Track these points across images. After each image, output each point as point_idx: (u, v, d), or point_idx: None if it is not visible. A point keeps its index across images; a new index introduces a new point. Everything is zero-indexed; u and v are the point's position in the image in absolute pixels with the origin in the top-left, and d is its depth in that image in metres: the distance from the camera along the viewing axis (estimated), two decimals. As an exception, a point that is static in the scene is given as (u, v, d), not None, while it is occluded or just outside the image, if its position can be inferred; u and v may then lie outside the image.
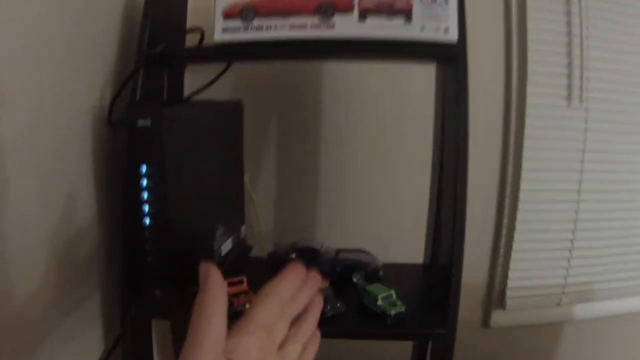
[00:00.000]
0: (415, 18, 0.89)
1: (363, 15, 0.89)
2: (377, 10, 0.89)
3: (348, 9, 0.89)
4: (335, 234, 1.52)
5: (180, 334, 1.36)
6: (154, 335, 1.24)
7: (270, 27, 0.92)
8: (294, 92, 1.49)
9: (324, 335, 1.01)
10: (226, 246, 1.16)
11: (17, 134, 0.76)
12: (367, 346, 1.55)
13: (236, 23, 0.92)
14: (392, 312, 0.95)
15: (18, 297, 0.79)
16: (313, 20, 0.90)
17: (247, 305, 0.96)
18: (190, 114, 1.04)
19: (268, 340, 0.48)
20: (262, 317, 0.48)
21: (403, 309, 0.96)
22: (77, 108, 0.94)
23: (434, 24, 0.90)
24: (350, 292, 1.06)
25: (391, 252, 1.22)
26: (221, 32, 0.93)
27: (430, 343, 1.24)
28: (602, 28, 1.56)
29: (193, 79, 1.26)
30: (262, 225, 1.39)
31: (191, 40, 1.13)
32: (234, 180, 1.25)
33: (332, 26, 0.90)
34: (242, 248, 1.26)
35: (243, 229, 1.28)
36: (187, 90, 1.26)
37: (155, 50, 1.01)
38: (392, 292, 0.98)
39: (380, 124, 1.52)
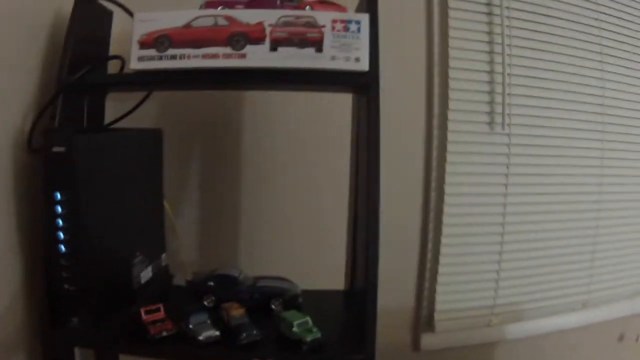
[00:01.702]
0: (326, 48, 0.92)
1: (274, 45, 0.91)
2: (289, 41, 0.91)
3: (260, 39, 0.91)
4: (259, 263, 1.51)
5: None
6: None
7: (184, 57, 0.93)
8: (216, 120, 1.50)
9: (239, 363, 1.02)
10: (146, 273, 1.15)
11: None
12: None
13: (151, 52, 0.93)
14: (308, 339, 0.94)
15: None
16: (225, 50, 0.92)
17: (164, 333, 0.96)
18: (108, 142, 1.04)
19: None
20: None
21: (319, 335, 0.96)
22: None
23: (345, 54, 0.92)
24: (267, 319, 1.05)
25: (314, 279, 1.23)
26: (137, 61, 0.94)
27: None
28: (524, 55, 1.64)
29: (116, 107, 1.25)
30: (184, 254, 1.38)
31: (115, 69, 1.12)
32: (153, 208, 1.25)
33: (244, 56, 0.92)
34: (163, 276, 1.26)
35: (164, 256, 1.27)
36: (109, 119, 1.25)
37: (74, 77, 1.00)
38: (308, 318, 0.98)
39: (301, 151, 1.54)
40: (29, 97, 1.05)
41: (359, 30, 0.92)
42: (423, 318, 1.69)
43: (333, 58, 0.92)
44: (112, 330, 0.99)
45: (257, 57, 0.91)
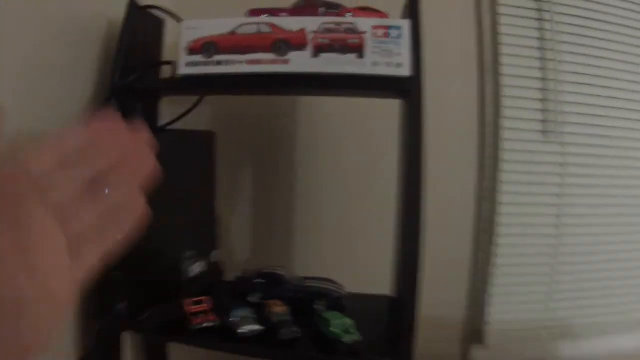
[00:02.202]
0: (368, 54, 0.94)
1: (316, 51, 0.95)
2: (330, 47, 0.94)
3: (302, 45, 0.95)
4: (310, 264, 1.54)
5: (151, 348, 1.40)
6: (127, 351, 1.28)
7: (230, 62, 0.97)
8: (270, 124, 1.55)
9: (278, 357, 1.05)
10: (195, 269, 1.20)
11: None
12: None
13: (198, 58, 0.99)
14: (346, 340, 0.96)
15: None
16: (269, 56, 0.96)
17: (206, 324, 1.01)
18: (159, 142, 1.09)
19: (23, 178, 0.37)
20: (25, 159, 0.38)
21: (357, 337, 0.97)
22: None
23: (386, 60, 0.94)
24: (309, 319, 1.07)
25: (364, 283, 1.25)
26: (185, 66, 1.00)
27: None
28: (576, 62, 1.59)
29: (173, 111, 1.31)
30: (237, 253, 1.43)
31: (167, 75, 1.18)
32: (206, 207, 1.30)
33: (287, 61, 0.96)
34: (213, 272, 1.30)
35: (215, 254, 1.32)
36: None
37: (125, 81, 1.07)
38: (348, 320, 1.00)
39: (354, 155, 1.56)
40: (84, 100, 1.12)
41: (399, 36, 0.94)
42: (473, 330, 1.66)
43: (374, 64, 0.94)
44: (156, 318, 1.04)
45: (300, 62, 0.95)
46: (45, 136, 0.39)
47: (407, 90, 0.97)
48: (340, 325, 0.99)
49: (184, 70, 1.00)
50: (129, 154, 0.43)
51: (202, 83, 1.03)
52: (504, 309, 1.64)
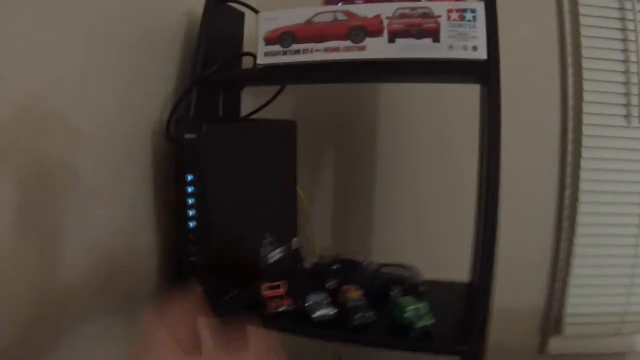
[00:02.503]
0: (443, 38, 0.93)
1: (392, 37, 0.94)
2: (406, 32, 0.94)
3: (378, 32, 0.95)
4: (389, 252, 1.55)
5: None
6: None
7: (307, 51, 0.99)
8: (351, 113, 1.57)
9: (351, 342, 1.06)
10: (274, 255, 1.23)
11: (90, 138, 0.92)
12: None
13: (276, 47, 1.01)
14: (418, 325, 0.96)
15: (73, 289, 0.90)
16: (345, 43, 0.96)
17: (281, 308, 1.03)
18: (238, 130, 1.14)
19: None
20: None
21: (430, 322, 0.97)
22: (140, 123, 1.09)
23: (462, 43, 0.93)
24: (385, 304, 1.07)
25: (443, 271, 1.24)
26: (263, 56, 1.02)
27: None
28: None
29: (255, 102, 1.34)
30: (317, 240, 1.45)
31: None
32: (287, 194, 1.33)
33: (364, 48, 0.96)
34: (292, 258, 1.33)
35: (295, 240, 1.34)
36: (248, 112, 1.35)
37: (206, 73, 1.11)
38: (422, 305, 0.99)
39: (435, 143, 1.55)
40: (168, 91, 1.17)
41: (474, 18, 0.92)
42: (552, 320, 1.62)
43: (450, 47, 0.93)
44: (234, 303, 1.08)
45: (376, 49, 0.95)
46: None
47: (483, 73, 0.95)
48: (414, 310, 0.98)
49: (262, 60, 1.02)
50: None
51: (280, 72, 1.05)
52: (584, 301, 1.59)
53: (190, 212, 1.02)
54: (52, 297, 0.86)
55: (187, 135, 1.00)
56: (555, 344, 1.62)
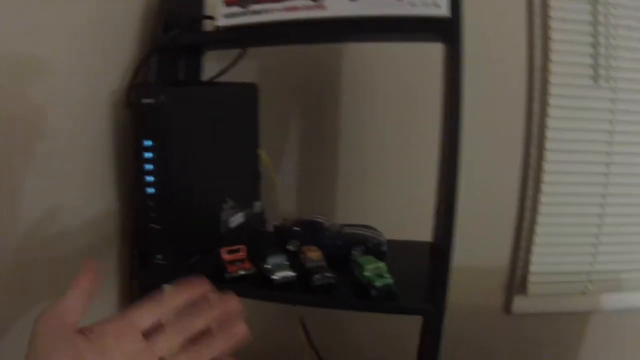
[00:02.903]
0: (405, -5, 0.91)
1: (354, -6, 0.92)
2: (368, -11, 0.92)
3: (339, -11, 0.92)
4: (354, 214, 1.55)
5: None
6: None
7: (267, 11, 0.96)
8: (315, 76, 1.54)
9: (311, 304, 1.06)
10: (236, 219, 1.22)
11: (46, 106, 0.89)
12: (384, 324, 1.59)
13: (236, 9, 0.98)
14: (378, 284, 0.96)
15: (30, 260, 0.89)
16: (305, 2, 0.94)
17: (241, 272, 1.02)
18: (197, 94, 1.12)
19: (132, 332, 0.50)
20: (133, 313, 0.52)
21: (390, 281, 0.96)
22: (100, 91, 1.06)
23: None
24: (346, 264, 1.07)
25: (408, 232, 1.25)
26: (223, 18, 1.00)
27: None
28: (628, 5, 1.51)
29: (219, 66, 1.32)
30: (283, 204, 1.44)
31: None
32: (248, 158, 1.31)
33: (324, 7, 0.93)
34: (255, 222, 1.32)
35: (258, 204, 1.33)
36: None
37: (167, 37, 1.08)
38: (382, 264, 1.00)
39: (398, 105, 1.54)
40: (129, 58, 1.14)
41: (436, -26, 0.91)
42: (517, 280, 1.65)
43: (412, 4, 0.91)
44: (193, 268, 1.07)
45: (337, 7, 0.93)
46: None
47: (445, 31, 0.93)
48: (373, 269, 0.99)
49: (222, 22, 1.00)
50: (224, 320, 0.56)
51: (240, 34, 1.03)
52: (549, 260, 1.62)
53: (149, 179, 1.00)
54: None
55: (144, 100, 0.98)
56: (520, 304, 1.64)
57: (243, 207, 1.25)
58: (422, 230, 1.25)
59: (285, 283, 1.00)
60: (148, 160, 0.99)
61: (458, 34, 0.92)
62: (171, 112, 0.98)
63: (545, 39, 1.50)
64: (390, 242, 1.19)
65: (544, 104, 1.53)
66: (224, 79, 1.27)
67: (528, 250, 1.61)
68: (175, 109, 0.99)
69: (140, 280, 1.11)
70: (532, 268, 1.61)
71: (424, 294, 0.99)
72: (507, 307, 1.66)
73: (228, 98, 1.21)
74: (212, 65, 1.33)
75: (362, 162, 1.58)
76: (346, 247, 1.15)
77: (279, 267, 1.01)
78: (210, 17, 1.10)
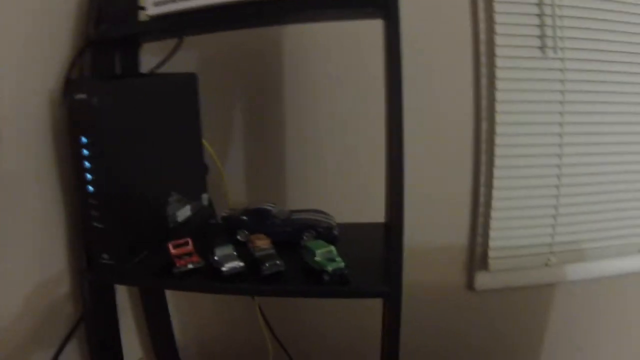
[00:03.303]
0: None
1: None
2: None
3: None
4: (305, 200, 1.52)
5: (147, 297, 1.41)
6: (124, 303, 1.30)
7: (198, -5, 0.93)
8: (257, 62, 1.51)
9: (262, 293, 1.03)
10: (183, 213, 1.19)
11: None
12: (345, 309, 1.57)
13: (166, -5, 0.95)
14: (330, 268, 0.93)
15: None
16: (238, -18, 0.91)
17: (190, 266, 0.99)
18: (132, 87, 1.07)
19: None
20: None
21: (342, 264, 0.94)
22: (36, 92, 1.02)
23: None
24: (296, 251, 1.05)
25: (360, 214, 1.24)
26: (153, 6, 0.97)
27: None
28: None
29: (157, 59, 1.28)
30: (231, 194, 1.41)
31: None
32: (192, 150, 1.27)
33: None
34: (204, 215, 1.29)
35: (205, 196, 1.30)
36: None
37: (97, 30, 1.05)
38: (332, 248, 0.97)
39: (342, 86, 1.51)
40: (65, 55, 1.09)
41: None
42: (477, 256, 1.64)
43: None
44: (141, 266, 1.03)
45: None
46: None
47: (382, 4, 0.90)
48: (325, 253, 0.96)
49: (152, 10, 0.96)
50: None
51: (172, 22, 0.99)
52: (508, 234, 1.61)
53: (89, 176, 0.96)
54: None
55: (77, 96, 0.93)
56: (482, 280, 1.63)
57: (190, 200, 1.22)
58: (376, 212, 1.22)
59: (235, 274, 0.97)
60: (85, 158, 0.96)
61: (395, 8, 0.89)
62: (105, 106, 0.94)
63: (489, 9, 1.48)
64: (342, 226, 1.18)
65: (491, 78, 1.51)
66: (163, 71, 1.23)
67: (486, 226, 1.60)
68: (110, 103, 0.95)
69: (88, 281, 1.07)
70: (492, 243, 1.60)
71: (379, 275, 0.97)
72: (469, 284, 1.66)
73: (166, 89, 1.17)
74: (150, 59, 1.30)
75: (310, 146, 1.55)
76: (296, 233, 1.13)
77: (228, 258, 0.98)
78: (140, 7, 1.06)
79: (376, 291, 0.95)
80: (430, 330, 1.63)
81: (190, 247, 1.02)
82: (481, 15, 1.49)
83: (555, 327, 1.74)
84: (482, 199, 1.59)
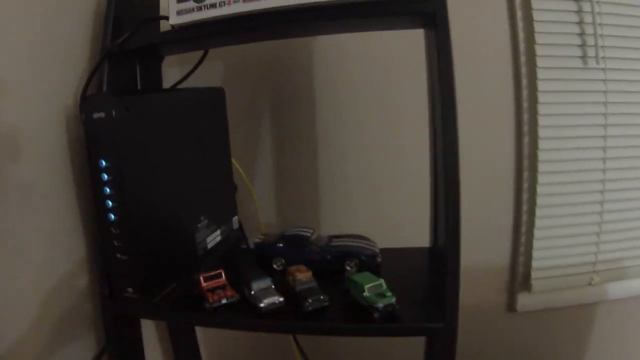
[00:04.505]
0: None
1: (323, -21, 0.81)
2: (338, -28, 0.81)
3: (305, -25, 0.81)
4: (340, 224, 1.44)
5: (175, 331, 1.32)
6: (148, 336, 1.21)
7: (224, 4, 0.85)
8: (285, 75, 1.43)
9: (305, 332, 0.94)
10: (213, 238, 1.10)
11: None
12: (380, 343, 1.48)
13: (190, 4, 0.87)
14: (380, 305, 0.84)
15: None
16: (268, -10, 0.82)
17: (224, 301, 0.90)
18: (156, 104, 0.97)
19: None
20: None
21: (393, 300, 0.85)
22: (52, 109, 0.94)
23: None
24: (339, 283, 0.96)
25: (400, 238, 1.15)
26: (176, 15, 0.89)
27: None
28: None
29: (181, 73, 1.20)
30: (261, 216, 1.33)
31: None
32: (220, 170, 1.19)
33: (289, -5, 0.82)
34: (234, 240, 1.21)
35: (235, 220, 1.21)
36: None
37: (115, 42, 0.97)
38: (382, 281, 0.89)
39: (378, 101, 1.43)
40: (84, 70, 1.02)
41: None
42: (519, 277, 1.56)
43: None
44: (169, 299, 0.94)
45: (305, -6, 0.82)
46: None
47: (430, 14, 0.82)
48: (374, 288, 0.87)
49: (175, 20, 0.88)
50: None
51: (196, 32, 0.91)
52: (551, 254, 1.53)
53: (109, 203, 0.87)
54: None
55: (95, 115, 0.84)
56: (524, 301, 1.56)
57: (219, 224, 1.13)
58: (414, 235, 1.15)
59: (273, 310, 0.88)
60: (105, 183, 0.87)
61: (444, 17, 0.81)
62: (127, 126, 0.85)
63: (529, 19, 1.40)
64: (383, 251, 1.09)
65: (532, 90, 1.43)
66: (186, 85, 1.16)
67: (529, 246, 1.52)
68: (131, 122, 0.86)
69: (110, 317, 0.98)
70: (535, 263, 1.52)
71: (430, 309, 0.88)
72: (511, 306, 1.58)
73: (192, 105, 1.08)
74: (173, 72, 1.23)
75: (344, 162, 1.47)
76: (337, 261, 1.05)
77: (266, 293, 0.90)
78: (161, 17, 0.98)
79: (430, 328, 0.86)
80: (471, 354, 1.54)
81: (223, 279, 0.94)
82: (520, 24, 1.41)
83: (598, 346, 1.66)
84: (524, 218, 1.51)
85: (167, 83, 1.22)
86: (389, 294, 0.87)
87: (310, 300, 0.88)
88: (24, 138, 0.86)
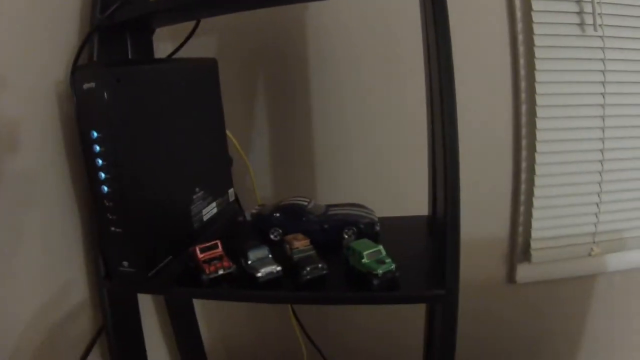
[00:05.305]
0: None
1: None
2: None
3: None
4: (338, 193, 1.43)
5: (173, 306, 1.31)
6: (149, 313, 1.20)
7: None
8: (278, 44, 1.40)
9: (303, 301, 0.93)
10: (209, 211, 1.09)
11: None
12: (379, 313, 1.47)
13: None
14: (380, 271, 0.83)
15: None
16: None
17: (220, 272, 0.89)
18: (148, 74, 0.95)
19: None
20: None
21: (393, 267, 0.84)
22: (42, 83, 0.92)
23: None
24: (337, 251, 0.95)
25: (398, 206, 1.16)
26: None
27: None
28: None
29: (173, 46, 1.19)
30: (258, 188, 1.31)
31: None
32: (215, 141, 1.17)
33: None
34: (231, 212, 1.19)
35: (231, 191, 1.20)
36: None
37: (104, 13, 0.94)
38: (380, 248, 0.87)
39: (374, 68, 1.40)
40: (74, 44, 1.00)
41: None
42: (518, 248, 1.55)
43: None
44: (165, 272, 0.93)
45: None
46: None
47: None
48: (373, 254, 0.86)
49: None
50: None
51: (187, 1, 0.89)
52: (550, 224, 1.52)
53: (102, 175, 0.85)
54: None
55: (85, 85, 0.82)
56: (523, 272, 1.55)
57: (215, 197, 1.12)
58: (413, 203, 1.13)
59: (271, 280, 0.87)
60: (97, 155, 0.84)
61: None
62: (117, 95, 0.83)
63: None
64: (381, 220, 1.08)
65: (530, 58, 1.41)
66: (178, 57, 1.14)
67: (528, 216, 1.51)
68: (122, 91, 0.84)
69: (107, 292, 0.97)
70: (534, 234, 1.51)
71: (431, 277, 0.87)
72: (510, 277, 1.57)
73: (184, 75, 1.05)
74: (165, 47, 1.22)
75: (340, 132, 1.45)
76: (335, 230, 1.04)
77: (263, 262, 0.89)
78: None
79: (431, 295, 0.85)
80: (471, 324, 1.53)
81: (220, 250, 0.93)
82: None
83: (598, 317, 1.66)
84: (523, 188, 1.49)
85: (158, 57, 1.20)
86: (388, 260, 0.86)
87: (308, 269, 0.86)
88: (15, 118, 0.84)
